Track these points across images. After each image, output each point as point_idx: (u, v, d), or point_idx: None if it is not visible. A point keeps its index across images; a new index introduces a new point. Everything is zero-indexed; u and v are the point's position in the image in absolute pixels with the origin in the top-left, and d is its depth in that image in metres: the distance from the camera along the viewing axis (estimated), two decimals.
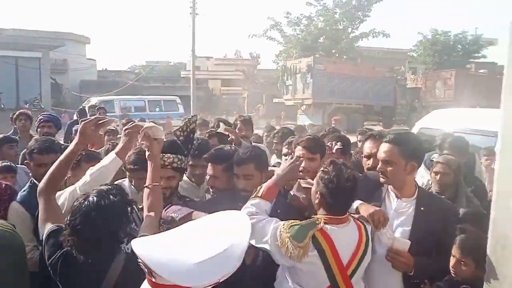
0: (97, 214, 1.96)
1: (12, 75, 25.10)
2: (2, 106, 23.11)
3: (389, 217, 2.52)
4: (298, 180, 2.82)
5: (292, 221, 2.32)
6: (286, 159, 3.57)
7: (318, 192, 2.37)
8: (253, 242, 2.34)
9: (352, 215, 2.43)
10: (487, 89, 22.11)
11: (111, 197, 2.02)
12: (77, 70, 34.33)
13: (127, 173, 3.34)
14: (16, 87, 25.37)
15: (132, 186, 3.28)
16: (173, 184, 2.87)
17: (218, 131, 4.51)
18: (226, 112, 29.23)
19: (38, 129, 5.78)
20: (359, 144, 5.20)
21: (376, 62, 30.53)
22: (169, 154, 2.83)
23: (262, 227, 2.34)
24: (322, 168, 2.43)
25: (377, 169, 2.68)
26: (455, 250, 2.57)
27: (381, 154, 2.66)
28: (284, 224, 2.30)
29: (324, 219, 2.31)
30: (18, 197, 3.13)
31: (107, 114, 9.97)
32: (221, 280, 1.33)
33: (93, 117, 2.63)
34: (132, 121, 3.07)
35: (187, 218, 2.44)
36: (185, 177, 3.43)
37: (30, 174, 3.39)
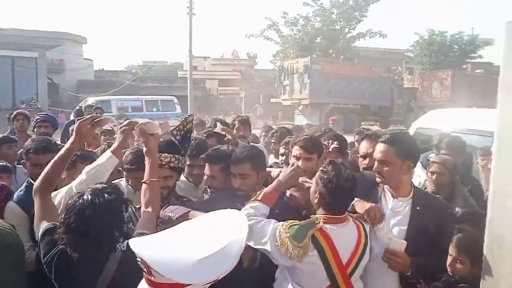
0: (91, 212, 1.96)
1: (8, 75, 25.03)
2: None
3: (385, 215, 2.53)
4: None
5: (291, 221, 2.32)
6: (283, 159, 3.57)
7: (318, 192, 2.38)
8: (251, 243, 2.34)
9: (350, 214, 2.44)
10: (483, 89, 22.16)
11: (106, 195, 2.02)
12: (74, 70, 34.24)
13: (124, 172, 3.34)
14: (12, 87, 25.28)
15: (129, 186, 3.28)
16: (170, 183, 2.87)
17: (215, 131, 4.51)
18: (223, 112, 29.23)
19: (35, 129, 5.78)
20: (356, 144, 5.21)
21: (373, 62, 30.61)
22: (166, 154, 2.82)
23: (260, 228, 2.34)
24: (321, 168, 2.44)
25: (374, 169, 2.69)
26: (451, 249, 2.60)
27: (377, 154, 2.67)
28: (283, 225, 2.31)
29: (323, 219, 2.32)
30: (15, 197, 3.12)
31: (104, 114, 9.95)
32: (219, 278, 1.34)
33: (89, 116, 2.63)
34: (128, 119, 3.08)
35: (184, 217, 2.44)
36: (183, 177, 3.43)
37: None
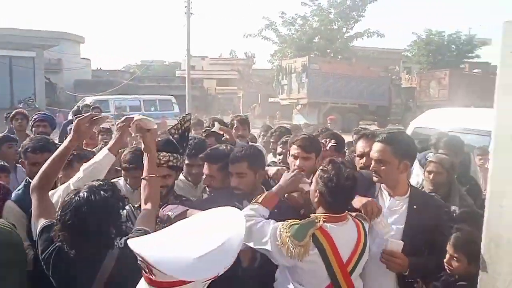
0: (87, 209, 1.96)
1: (6, 74, 24.94)
2: None
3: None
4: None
5: (291, 220, 2.33)
6: (280, 159, 3.58)
7: (318, 191, 2.39)
8: (251, 244, 2.35)
9: (349, 213, 2.45)
10: (481, 88, 22.22)
11: (102, 192, 2.02)
12: (71, 69, 34.15)
13: (123, 172, 3.35)
14: (10, 86, 25.19)
15: (128, 185, 3.29)
16: (169, 182, 2.87)
17: (213, 130, 4.52)
18: (221, 112, 29.22)
19: (33, 129, 5.78)
20: (354, 143, 5.22)
21: (370, 62, 30.64)
22: (164, 153, 2.83)
23: (260, 228, 2.35)
24: (321, 167, 2.45)
25: (371, 168, 2.70)
26: (449, 247, 2.63)
27: (374, 154, 2.67)
28: (283, 224, 2.32)
29: (323, 218, 2.33)
30: (13, 196, 3.13)
31: (102, 113, 9.94)
32: (220, 274, 1.36)
33: (87, 114, 2.63)
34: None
35: (182, 216, 2.44)
36: (182, 177, 3.43)
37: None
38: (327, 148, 3.43)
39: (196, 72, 41.56)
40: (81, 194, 2.01)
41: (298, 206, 2.75)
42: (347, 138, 4.34)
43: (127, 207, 2.81)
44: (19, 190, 3.17)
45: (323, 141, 3.44)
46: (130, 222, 2.64)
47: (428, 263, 2.64)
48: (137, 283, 1.46)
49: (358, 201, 2.52)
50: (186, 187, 3.49)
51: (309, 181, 2.61)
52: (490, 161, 2.22)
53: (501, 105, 2.14)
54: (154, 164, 2.53)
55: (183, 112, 22.22)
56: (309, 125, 8.56)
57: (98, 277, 2.02)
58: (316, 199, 2.41)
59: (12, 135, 5.20)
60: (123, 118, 2.77)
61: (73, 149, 2.59)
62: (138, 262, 1.36)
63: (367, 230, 2.48)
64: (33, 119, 5.82)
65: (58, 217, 2.02)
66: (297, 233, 2.25)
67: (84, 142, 4.76)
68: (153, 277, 1.34)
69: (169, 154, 2.85)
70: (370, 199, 2.54)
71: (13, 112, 6.14)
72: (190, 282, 1.33)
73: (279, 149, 3.92)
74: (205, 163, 3.05)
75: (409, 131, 5.31)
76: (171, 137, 3.01)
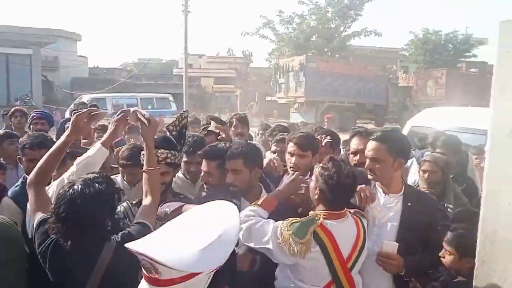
0: (81, 202, 1.96)
1: (2, 72, 24.87)
2: None
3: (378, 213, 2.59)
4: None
5: (292, 219, 2.35)
6: (276, 157, 3.59)
7: (318, 188, 2.40)
8: (252, 244, 2.37)
9: (348, 210, 2.47)
10: (477, 88, 22.28)
11: (97, 185, 2.02)
12: (68, 67, 34.02)
13: (120, 168, 3.35)
14: (6, 84, 25.12)
15: (125, 182, 3.29)
16: (167, 179, 2.87)
17: (209, 129, 4.52)
18: (218, 110, 29.15)
19: (31, 126, 5.75)
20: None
21: (368, 60, 30.71)
22: (162, 150, 2.83)
23: (260, 228, 2.36)
24: (321, 165, 2.46)
25: (365, 166, 2.71)
26: (444, 243, 2.68)
27: (369, 152, 2.68)
28: (283, 223, 2.33)
29: (323, 215, 2.34)
30: (10, 192, 3.11)
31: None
32: (221, 264, 1.39)
33: (85, 110, 2.63)
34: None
35: (178, 211, 2.45)
36: (180, 174, 3.43)
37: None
38: (323, 144, 3.47)
39: (194, 70, 41.46)
40: (75, 186, 2.01)
41: (296, 205, 2.76)
42: (345, 137, 4.36)
43: (124, 203, 2.82)
44: (16, 186, 3.17)
45: (318, 137, 3.48)
46: (127, 219, 2.64)
47: (422, 260, 2.67)
48: (135, 275, 1.46)
49: None
50: (184, 185, 3.49)
51: (308, 182, 2.63)
52: (486, 160, 2.24)
53: (497, 104, 2.15)
54: (152, 157, 2.51)
55: (181, 110, 22.15)
56: (307, 124, 8.58)
57: (95, 270, 2.02)
58: (316, 197, 2.43)
59: (13, 132, 5.19)
60: (119, 111, 2.76)
61: (71, 143, 2.57)
62: (142, 263, 1.35)
63: (365, 226, 2.50)
64: (31, 116, 5.80)
65: (52, 209, 2.01)
66: (298, 231, 2.26)
67: (82, 139, 4.75)
68: (158, 276, 1.33)
69: (167, 151, 2.85)
70: (363, 185, 2.57)
71: (12, 110, 6.13)
72: (199, 274, 1.35)
73: (273, 147, 3.94)
74: (204, 160, 3.05)
75: (406, 130, 5.34)
76: (168, 134, 3.02)
